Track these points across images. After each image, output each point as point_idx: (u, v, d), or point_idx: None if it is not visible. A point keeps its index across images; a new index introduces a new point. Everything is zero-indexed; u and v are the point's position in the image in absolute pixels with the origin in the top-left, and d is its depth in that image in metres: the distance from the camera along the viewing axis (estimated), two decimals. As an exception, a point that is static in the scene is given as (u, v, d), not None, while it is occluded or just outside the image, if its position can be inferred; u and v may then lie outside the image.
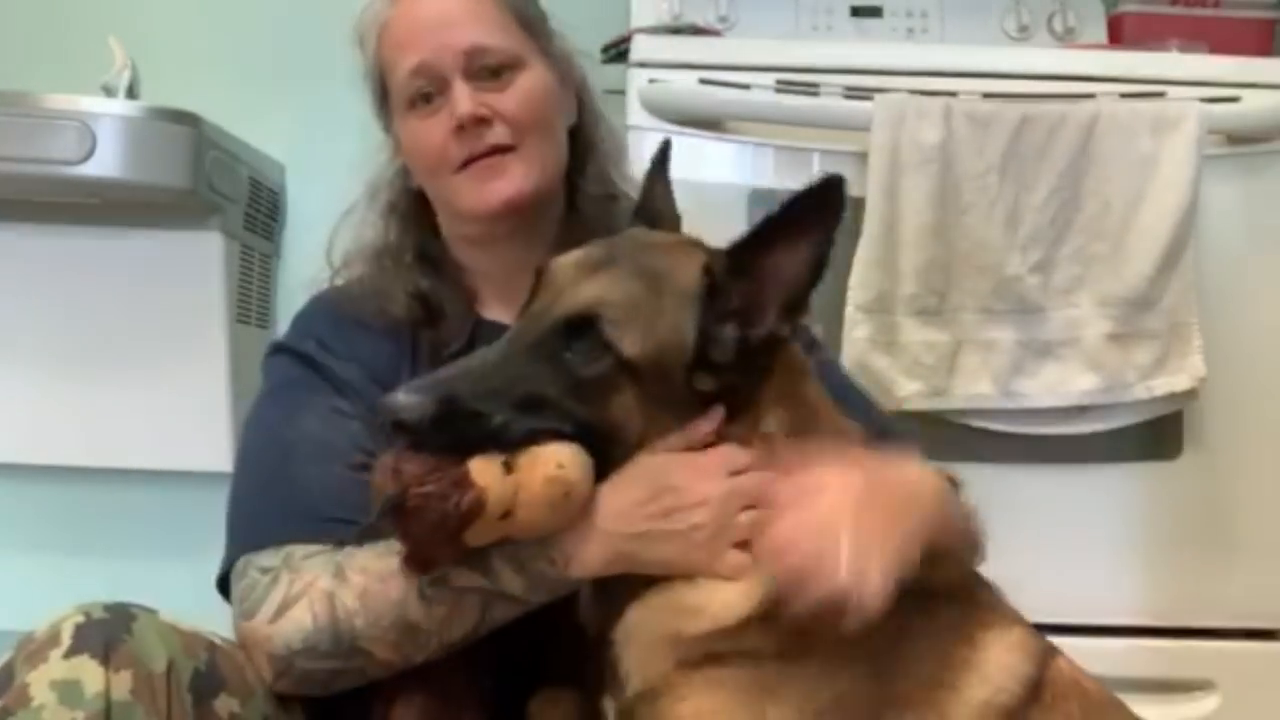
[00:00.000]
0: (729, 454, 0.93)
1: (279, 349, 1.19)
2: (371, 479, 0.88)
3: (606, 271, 0.93)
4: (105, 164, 1.85)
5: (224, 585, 1.06)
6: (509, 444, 0.87)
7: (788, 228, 0.92)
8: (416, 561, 0.92)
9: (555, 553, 0.93)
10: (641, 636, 0.92)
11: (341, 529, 1.03)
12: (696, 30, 1.91)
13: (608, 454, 0.91)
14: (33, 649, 0.85)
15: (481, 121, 1.13)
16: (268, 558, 1.01)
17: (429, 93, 1.15)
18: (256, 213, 2.21)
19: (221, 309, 2.10)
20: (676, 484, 0.92)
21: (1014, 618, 0.97)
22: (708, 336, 0.92)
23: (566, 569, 0.93)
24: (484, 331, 1.19)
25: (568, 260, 0.95)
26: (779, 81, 1.73)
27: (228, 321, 2.11)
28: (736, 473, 0.93)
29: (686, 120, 1.73)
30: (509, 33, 1.17)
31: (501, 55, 1.15)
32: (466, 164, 1.14)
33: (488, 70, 1.15)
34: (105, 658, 0.84)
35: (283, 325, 2.30)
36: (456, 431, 0.86)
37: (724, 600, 0.91)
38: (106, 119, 1.86)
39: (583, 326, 0.89)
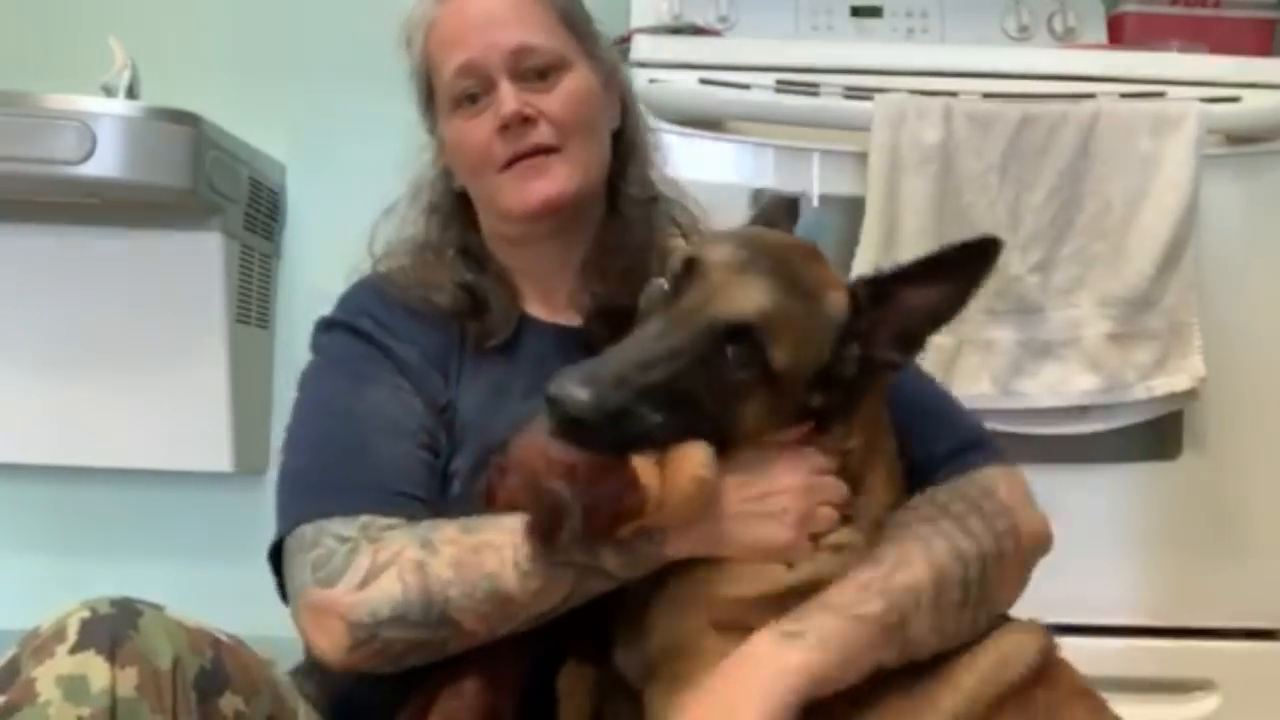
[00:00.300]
0: (811, 455, 0.97)
1: (334, 324, 1.19)
2: (518, 463, 0.90)
3: (760, 278, 0.92)
4: (105, 164, 1.85)
5: (275, 554, 1.05)
6: (659, 443, 0.89)
7: (934, 270, 0.94)
8: (548, 542, 0.92)
9: (657, 531, 0.94)
10: (676, 594, 0.95)
11: (412, 505, 1.04)
12: (696, 30, 1.91)
13: (720, 449, 0.93)
14: (38, 644, 0.85)
15: (526, 121, 1.13)
16: (343, 526, 1.00)
17: (475, 93, 1.15)
18: (256, 213, 2.21)
19: (221, 309, 2.10)
20: (768, 472, 0.96)
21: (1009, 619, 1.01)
22: (836, 355, 0.94)
23: (664, 547, 0.95)
24: (529, 328, 1.20)
25: (718, 257, 0.94)
26: (779, 81, 1.73)
27: (228, 321, 2.11)
28: (817, 472, 0.97)
29: (686, 120, 1.73)
30: (555, 34, 1.17)
31: (548, 56, 1.15)
32: (510, 164, 1.15)
33: (534, 71, 1.15)
34: (111, 654, 0.83)
35: (283, 325, 2.34)
36: (620, 430, 0.87)
37: (758, 570, 0.95)
38: (106, 119, 1.86)
39: (740, 334, 0.90)
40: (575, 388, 0.85)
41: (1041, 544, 1.05)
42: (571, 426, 0.86)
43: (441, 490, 1.11)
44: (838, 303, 0.94)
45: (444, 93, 1.18)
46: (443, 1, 1.18)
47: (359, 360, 1.14)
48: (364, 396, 1.10)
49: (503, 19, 1.15)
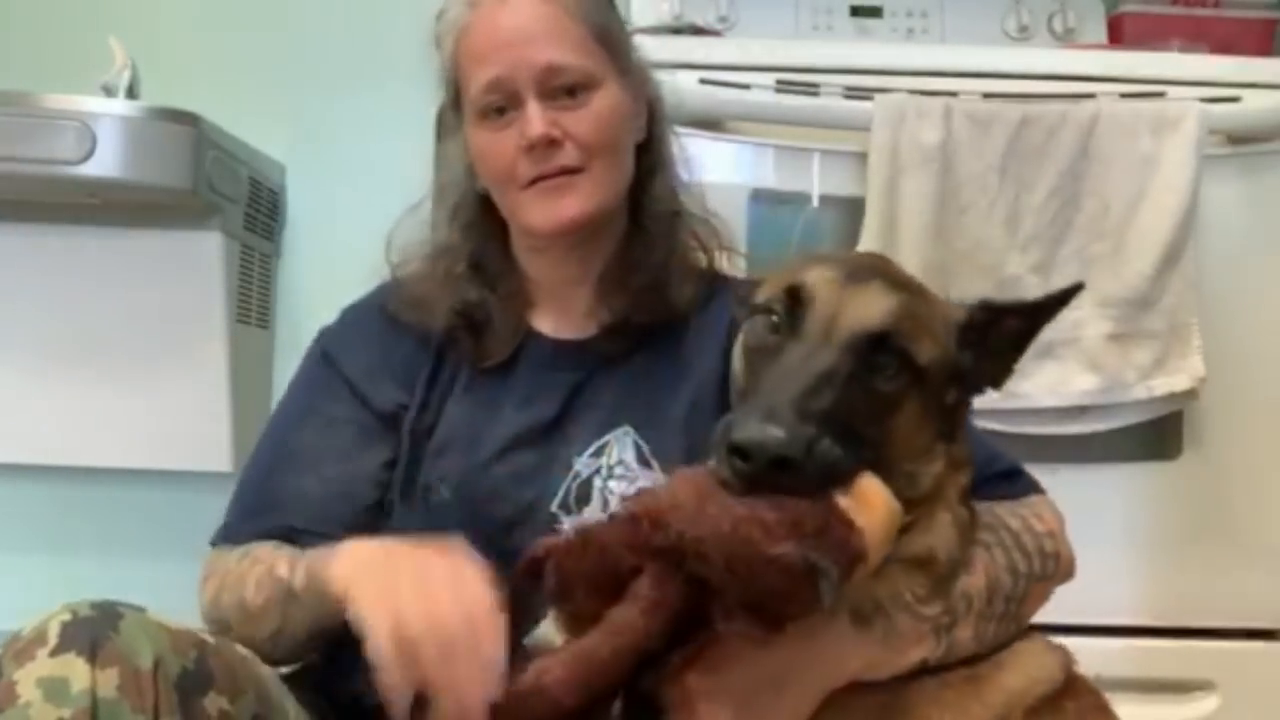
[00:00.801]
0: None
1: (319, 338, 1.25)
2: (713, 543, 0.75)
3: (872, 285, 0.90)
4: (105, 164, 1.85)
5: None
6: (845, 477, 0.82)
7: (1034, 311, 0.98)
8: (805, 613, 0.78)
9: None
10: None
11: (306, 538, 1.11)
12: (696, 30, 1.91)
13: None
14: (19, 647, 0.85)
15: (553, 143, 1.13)
16: (233, 551, 1.13)
17: (502, 106, 1.15)
18: (256, 213, 2.21)
19: (221, 309, 2.10)
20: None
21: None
22: (959, 353, 0.95)
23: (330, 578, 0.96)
24: (529, 342, 1.20)
25: (821, 276, 0.91)
26: (779, 81, 1.73)
27: (228, 321, 2.11)
28: None
29: (686, 120, 1.73)
30: (586, 50, 1.15)
31: (577, 74, 1.14)
32: (534, 182, 1.15)
33: (562, 89, 1.14)
34: (92, 655, 0.84)
35: (283, 325, 2.34)
36: (817, 465, 0.80)
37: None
38: (106, 119, 1.86)
39: (881, 341, 0.87)
40: (766, 428, 0.79)
41: (1071, 574, 1.07)
42: (775, 470, 0.78)
43: (405, 494, 1.16)
44: (952, 306, 0.96)
45: (472, 103, 1.17)
46: (474, 6, 1.17)
47: (311, 389, 1.22)
48: (301, 431, 1.19)
49: (534, 35, 1.14)
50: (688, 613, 0.79)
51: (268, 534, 1.12)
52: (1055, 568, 1.03)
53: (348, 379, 1.18)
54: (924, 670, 0.92)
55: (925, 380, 0.89)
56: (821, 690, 0.90)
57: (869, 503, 0.81)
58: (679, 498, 0.79)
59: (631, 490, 1.11)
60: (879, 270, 0.94)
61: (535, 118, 1.12)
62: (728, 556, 0.75)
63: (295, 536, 1.11)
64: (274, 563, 1.05)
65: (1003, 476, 1.11)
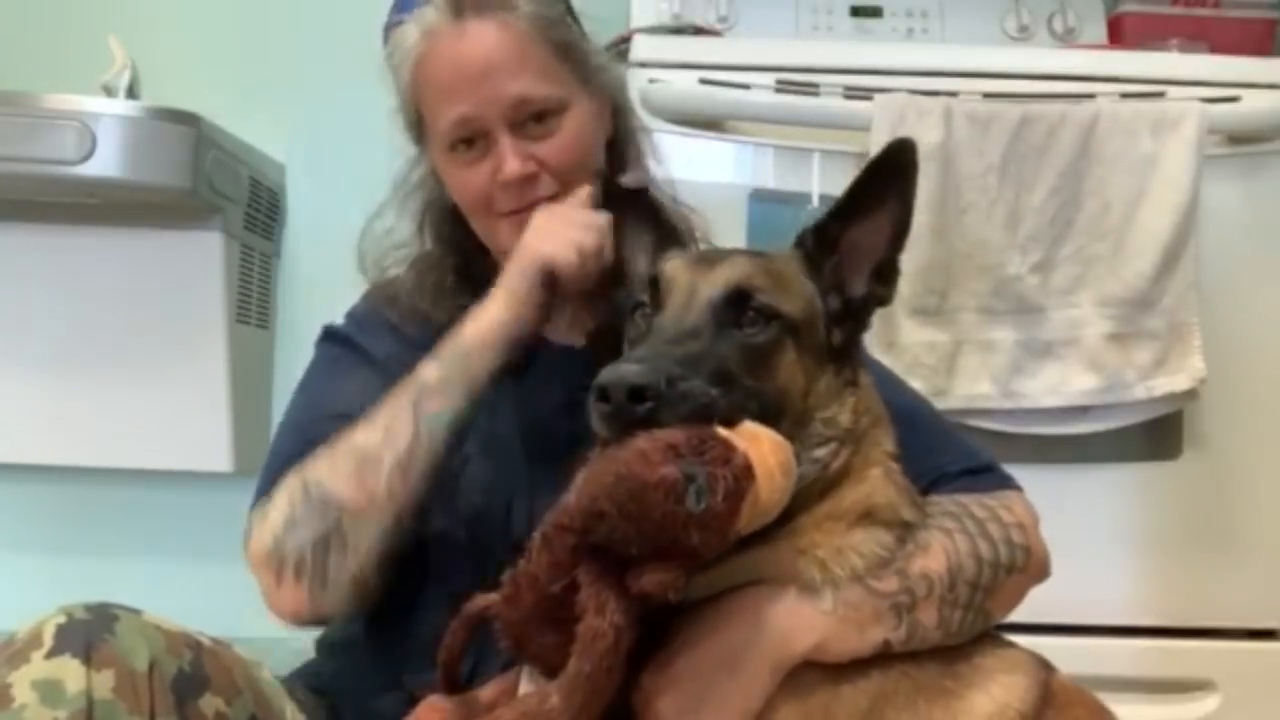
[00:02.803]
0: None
1: (330, 335, 1.22)
2: (607, 495, 0.74)
3: (721, 258, 0.96)
4: (105, 164, 1.85)
5: None
6: (724, 419, 0.83)
7: (863, 199, 0.96)
8: (688, 560, 0.77)
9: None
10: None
11: None
12: (696, 30, 1.92)
13: (776, 427, 0.88)
14: (15, 650, 0.85)
15: (529, 178, 1.12)
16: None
17: (470, 139, 1.13)
18: (256, 213, 2.22)
19: (221, 309, 2.10)
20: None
21: (1002, 641, 0.99)
22: (825, 299, 0.97)
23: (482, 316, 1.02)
24: (540, 349, 1.17)
25: (677, 263, 0.97)
26: (779, 81, 1.74)
27: (228, 321, 2.11)
28: None
29: (686, 120, 1.73)
30: (551, 73, 1.13)
31: (545, 103, 1.12)
32: (513, 212, 1.14)
33: (532, 117, 1.12)
34: (87, 657, 0.84)
35: (283, 325, 2.34)
36: (684, 401, 0.81)
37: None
38: (106, 119, 1.86)
39: (741, 300, 0.91)
40: (625, 367, 0.81)
41: (1044, 572, 1.06)
42: (635, 402, 0.80)
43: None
44: (784, 255, 0.98)
45: (439, 135, 1.15)
46: (431, 36, 1.13)
47: (339, 361, 1.18)
48: (336, 390, 1.14)
49: (498, 66, 1.11)
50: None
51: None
52: (1026, 560, 1.02)
53: (374, 359, 1.16)
54: (890, 658, 0.91)
55: (799, 329, 0.93)
56: (776, 667, 0.88)
57: (754, 436, 0.81)
58: (575, 489, 0.78)
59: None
60: (721, 250, 1.00)
61: (509, 155, 1.11)
62: (618, 501, 0.74)
63: None
64: (365, 423, 1.02)
65: (975, 471, 1.11)
